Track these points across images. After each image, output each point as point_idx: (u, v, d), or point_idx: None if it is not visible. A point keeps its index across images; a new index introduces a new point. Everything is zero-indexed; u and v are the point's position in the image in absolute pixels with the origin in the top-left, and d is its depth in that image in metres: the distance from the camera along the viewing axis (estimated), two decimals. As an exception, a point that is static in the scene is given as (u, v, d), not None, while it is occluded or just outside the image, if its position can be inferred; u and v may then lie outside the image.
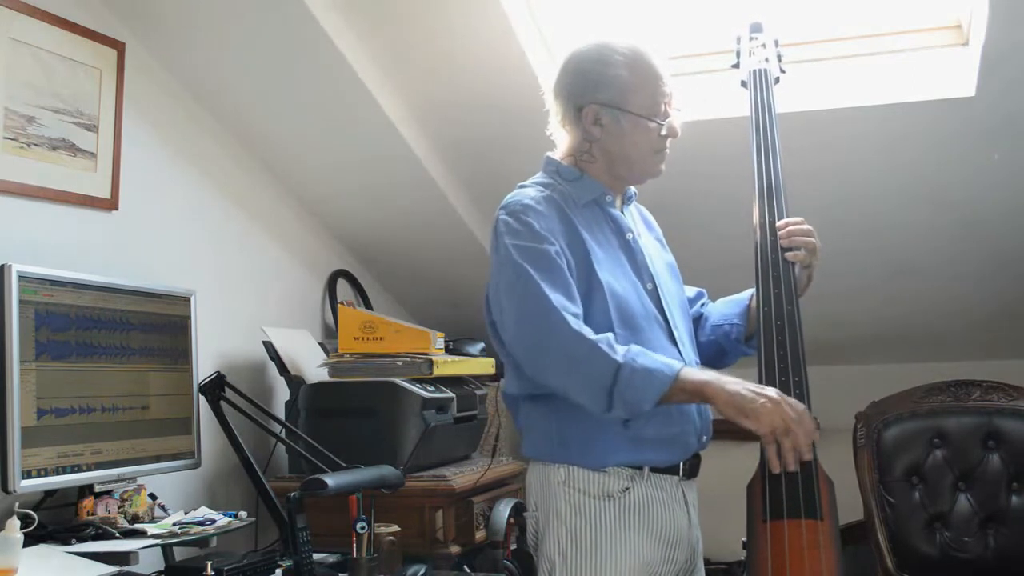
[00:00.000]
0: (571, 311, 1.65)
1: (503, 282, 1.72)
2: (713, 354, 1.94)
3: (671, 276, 1.92)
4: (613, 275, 1.76)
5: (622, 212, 1.88)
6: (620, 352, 1.61)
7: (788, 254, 1.82)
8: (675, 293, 1.90)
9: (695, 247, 2.13)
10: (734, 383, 1.60)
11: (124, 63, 2.35)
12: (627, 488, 1.72)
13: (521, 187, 1.82)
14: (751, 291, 1.89)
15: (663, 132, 1.80)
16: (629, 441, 1.68)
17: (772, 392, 1.59)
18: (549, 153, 1.88)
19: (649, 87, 1.78)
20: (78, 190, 2.25)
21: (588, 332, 1.63)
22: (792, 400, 1.60)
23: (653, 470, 1.74)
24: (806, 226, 1.84)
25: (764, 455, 1.64)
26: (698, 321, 1.99)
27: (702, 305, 2.01)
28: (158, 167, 2.51)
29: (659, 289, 1.83)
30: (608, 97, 1.77)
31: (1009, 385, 2.69)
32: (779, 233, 1.83)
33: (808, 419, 1.59)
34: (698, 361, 1.87)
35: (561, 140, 1.87)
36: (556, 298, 1.64)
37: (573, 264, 1.72)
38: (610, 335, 1.64)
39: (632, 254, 1.83)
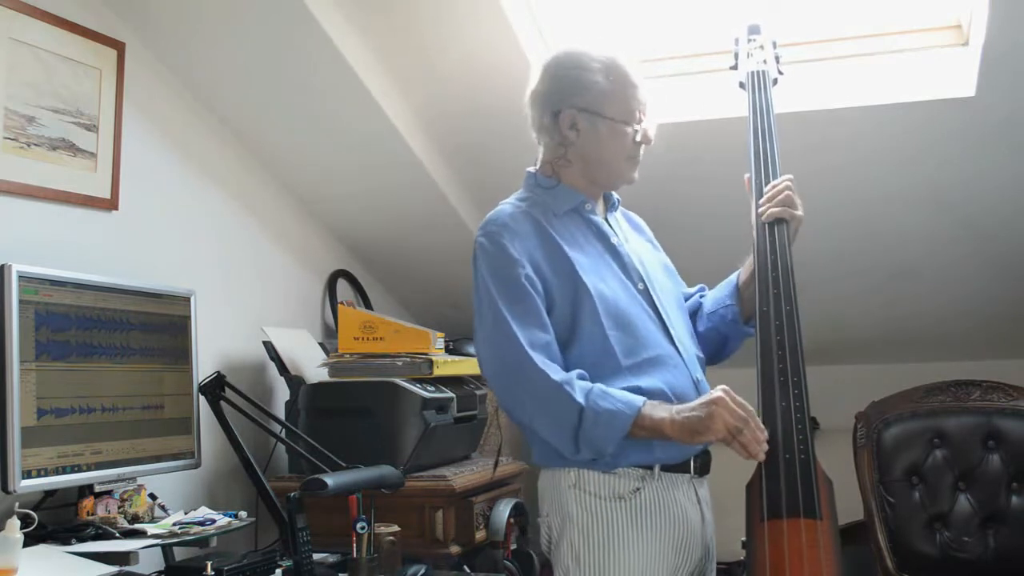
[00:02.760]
0: (540, 344, 1.67)
1: (477, 314, 1.75)
2: (715, 342, 1.94)
3: (665, 275, 1.93)
4: (600, 278, 1.77)
5: (605, 218, 1.89)
6: (582, 394, 1.63)
7: (760, 209, 1.85)
8: (669, 291, 1.90)
9: (693, 248, 2.13)
10: (685, 409, 1.63)
11: (124, 63, 2.35)
12: (638, 488, 1.72)
13: (501, 204, 1.84)
14: (737, 271, 1.92)
15: (638, 138, 1.82)
16: (638, 441, 1.68)
17: (717, 393, 1.62)
18: (528, 168, 1.90)
19: (625, 94, 1.81)
20: (78, 190, 2.25)
21: (554, 372, 1.65)
22: (738, 397, 1.62)
23: (664, 469, 1.74)
24: (782, 184, 1.86)
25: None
26: (696, 314, 1.99)
27: (701, 296, 2.02)
28: (158, 167, 2.51)
29: (651, 288, 1.83)
30: (585, 102, 1.79)
31: (1009, 385, 2.69)
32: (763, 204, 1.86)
33: (753, 414, 1.62)
34: (700, 355, 1.88)
35: (539, 148, 1.89)
36: (525, 335, 1.67)
37: (552, 282, 1.73)
38: (575, 373, 1.66)
39: (619, 257, 1.83)
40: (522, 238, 1.75)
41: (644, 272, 1.85)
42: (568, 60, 1.82)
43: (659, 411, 1.63)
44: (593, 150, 1.81)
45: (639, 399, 1.64)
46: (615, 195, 1.95)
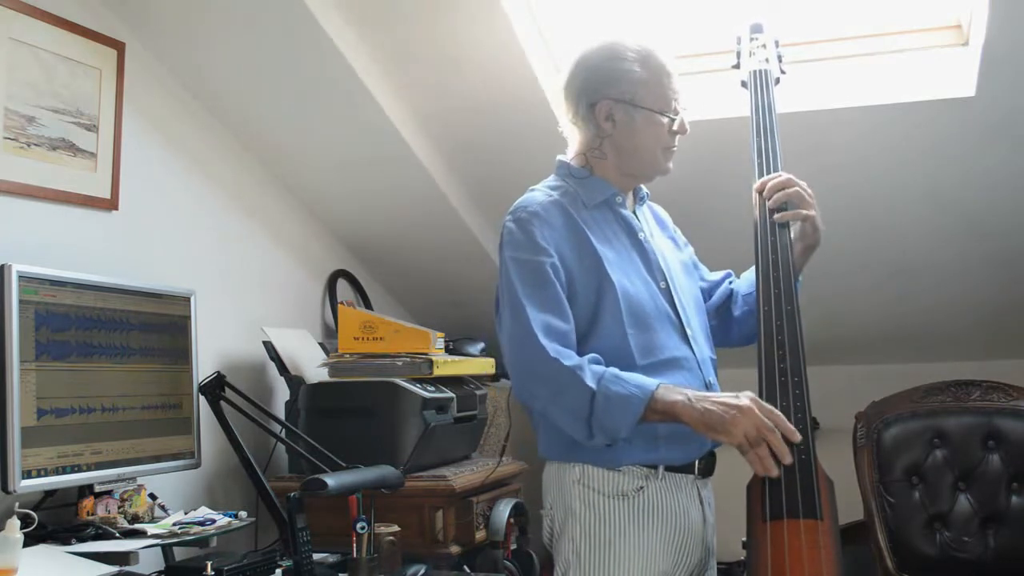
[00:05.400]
0: (557, 332, 1.66)
1: (499, 299, 1.76)
2: (751, 324, 1.92)
3: (685, 275, 1.93)
4: (625, 275, 1.77)
5: (634, 212, 1.89)
6: (593, 379, 1.62)
7: (776, 216, 1.83)
8: (689, 291, 1.90)
9: (695, 247, 2.13)
10: (706, 399, 1.61)
11: (124, 63, 2.35)
12: (641, 487, 1.72)
13: (531, 191, 1.83)
14: None
15: (674, 127, 1.82)
16: (644, 439, 1.69)
17: (745, 400, 1.59)
18: (560, 156, 1.89)
19: (661, 83, 1.81)
20: (78, 190, 2.25)
21: (566, 358, 1.64)
22: (767, 406, 1.60)
23: (668, 469, 1.74)
24: (783, 177, 1.84)
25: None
26: (729, 299, 1.99)
27: (730, 283, 2.02)
28: (158, 167, 2.51)
29: (672, 288, 1.83)
30: (620, 92, 1.79)
31: (1009, 385, 2.69)
32: (764, 196, 1.85)
33: (785, 422, 1.59)
34: (713, 357, 1.87)
35: (572, 139, 1.88)
36: (540, 323, 1.66)
37: (577, 275, 1.73)
38: (587, 358, 1.66)
39: (644, 254, 1.83)
40: (551, 227, 1.74)
41: (667, 270, 1.85)
42: (604, 51, 1.82)
43: (673, 394, 1.62)
44: (629, 141, 1.81)
45: (653, 382, 1.63)
46: (644, 188, 1.94)
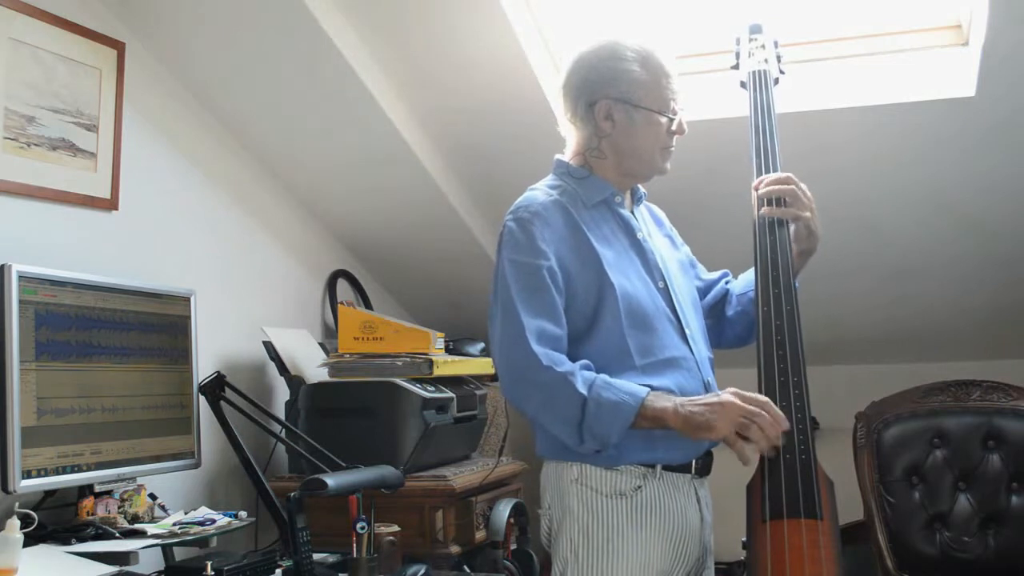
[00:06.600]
0: (549, 336, 1.67)
1: (493, 299, 1.75)
2: (745, 325, 1.94)
3: (682, 274, 1.93)
4: (625, 275, 1.77)
5: (632, 212, 1.89)
6: (585, 385, 1.63)
7: (763, 210, 1.84)
8: (686, 291, 1.90)
9: (693, 247, 2.13)
10: (690, 403, 1.63)
11: (124, 63, 2.35)
12: (639, 487, 1.72)
13: (531, 190, 1.83)
14: None
15: (673, 128, 1.82)
16: (642, 439, 1.69)
17: (727, 395, 1.62)
18: (558, 155, 1.89)
19: (660, 83, 1.81)
20: (78, 190, 2.25)
21: (558, 363, 1.65)
22: (751, 394, 1.62)
23: (665, 468, 1.74)
24: (783, 175, 1.85)
25: (762, 455, 1.65)
26: (725, 298, 2.00)
27: (726, 283, 2.02)
28: (158, 167, 2.51)
29: (670, 287, 1.84)
30: (620, 92, 1.79)
31: (1009, 385, 2.69)
32: (759, 190, 1.86)
33: (773, 407, 1.61)
34: (711, 357, 1.88)
35: (569, 138, 1.88)
36: (533, 327, 1.66)
37: (576, 276, 1.73)
38: (579, 364, 1.66)
39: (643, 253, 1.83)
40: (552, 228, 1.74)
41: (665, 270, 1.85)
42: (603, 51, 1.82)
43: (662, 401, 1.64)
44: (628, 141, 1.81)
45: (643, 389, 1.64)
46: (641, 188, 1.95)
